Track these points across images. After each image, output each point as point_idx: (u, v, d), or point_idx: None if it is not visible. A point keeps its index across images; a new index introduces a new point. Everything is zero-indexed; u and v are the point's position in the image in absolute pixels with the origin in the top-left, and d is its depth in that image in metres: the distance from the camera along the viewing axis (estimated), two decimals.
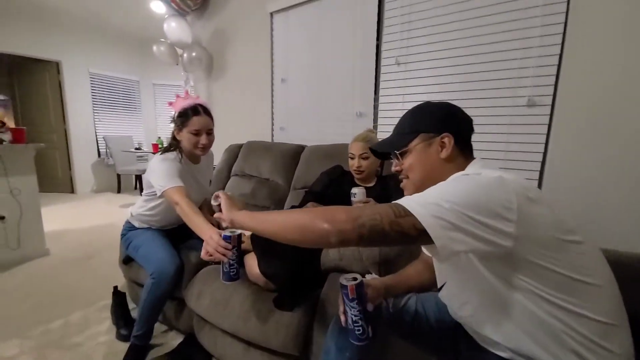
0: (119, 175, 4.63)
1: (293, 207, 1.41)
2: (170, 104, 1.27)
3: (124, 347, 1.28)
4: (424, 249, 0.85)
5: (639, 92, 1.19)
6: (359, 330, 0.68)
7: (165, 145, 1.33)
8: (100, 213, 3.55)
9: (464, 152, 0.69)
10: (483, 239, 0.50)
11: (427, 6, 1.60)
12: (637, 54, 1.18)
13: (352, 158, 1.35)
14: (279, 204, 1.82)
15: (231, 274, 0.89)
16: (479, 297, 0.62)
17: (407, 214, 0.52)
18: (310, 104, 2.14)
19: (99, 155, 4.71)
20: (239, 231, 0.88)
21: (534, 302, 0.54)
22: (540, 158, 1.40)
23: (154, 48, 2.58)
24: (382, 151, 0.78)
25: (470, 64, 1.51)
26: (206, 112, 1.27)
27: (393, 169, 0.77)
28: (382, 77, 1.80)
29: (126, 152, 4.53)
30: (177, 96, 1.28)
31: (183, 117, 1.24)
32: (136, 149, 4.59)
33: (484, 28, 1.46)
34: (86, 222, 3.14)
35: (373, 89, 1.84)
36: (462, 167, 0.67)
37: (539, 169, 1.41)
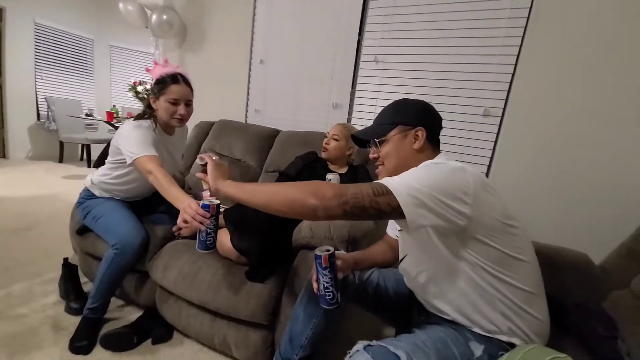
0: (62, 143, 4.15)
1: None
2: (148, 70, 1.21)
3: (74, 320, 1.22)
4: (395, 222, 0.94)
5: (572, 111, 1.43)
6: (329, 295, 0.76)
7: (138, 113, 1.26)
8: (39, 182, 3.18)
9: (432, 146, 0.79)
10: (443, 217, 0.60)
11: (408, 10, 1.70)
12: (573, 83, 1.41)
13: (326, 137, 1.46)
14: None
15: (207, 242, 0.89)
16: (433, 268, 0.74)
17: (385, 192, 0.60)
18: (287, 89, 2.15)
19: (39, 117, 4.17)
20: (217, 200, 0.89)
21: (477, 272, 0.66)
22: (487, 162, 1.62)
23: (120, 5, 2.34)
24: (363, 138, 0.86)
25: (439, 72, 1.66)
26: (186, 82, 1.23)
27: (371, 156, 0.85)
28: (360, 72, 1.88)
29: (73, 118, 4.07)
30: (155, 63, 1.23)
31: (161, 85, 1.19)
32: (86, 115, 4.14)
33: (451, 40, 1.62)
34: (22, 191, 2.80)
35: (351, 82, 1.91)
36: (431, 158, 0.76)
37: (485, 170, 1.62)
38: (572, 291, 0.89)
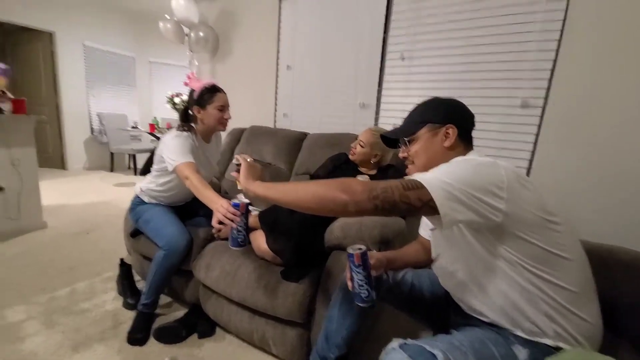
0: (112, 154, 4.57)
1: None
2: (187, 84, 1.32)
3: (130, 315, 1.35)
4: (427, 221, 0.93)
5: (620, 102, 1.30)
6: (364, 293, 0.77)
7: (178, 124, 1.37)
8: (95, 190, 3.53)
9: (464, 144, 0.78)
10: (477, 212, 0.59)
11: (435, 4, 1.66)
12: (623, 67, 1.28)
13: (356, 139, 1.47)
14: None
15: (239, 240, 0.94)
16: (469, 267, 0.72)
17: (416, 186, 0.59)
18: (314, 92, 2.19)
19: (92, 132, 4.63)
20: (246, 200, 0.93)
21: (515, 270, 0.64)
22: (528, 156, 1.52)
23: (160, 25, 2.54)
24: (392, 137, 0.86)
25: (471, 63, 1.59)
26: (223, 90, 1.36)
27: (400, 154, 0.85)
28: (387, 71, 1.86)
29: (120, 131, 4.47)
30: (189, 77, 1.33)
31: (208, 94, 1.30)
32: (132, 127, 4.53)
33: (484, 29, 1.54)
34: (81, 199, 3.13)
35: (377, 81, 1.90)
36: (462, 155, 0.74)
37: (527, 166, 1.53)
38: (626, 292, 0.82)
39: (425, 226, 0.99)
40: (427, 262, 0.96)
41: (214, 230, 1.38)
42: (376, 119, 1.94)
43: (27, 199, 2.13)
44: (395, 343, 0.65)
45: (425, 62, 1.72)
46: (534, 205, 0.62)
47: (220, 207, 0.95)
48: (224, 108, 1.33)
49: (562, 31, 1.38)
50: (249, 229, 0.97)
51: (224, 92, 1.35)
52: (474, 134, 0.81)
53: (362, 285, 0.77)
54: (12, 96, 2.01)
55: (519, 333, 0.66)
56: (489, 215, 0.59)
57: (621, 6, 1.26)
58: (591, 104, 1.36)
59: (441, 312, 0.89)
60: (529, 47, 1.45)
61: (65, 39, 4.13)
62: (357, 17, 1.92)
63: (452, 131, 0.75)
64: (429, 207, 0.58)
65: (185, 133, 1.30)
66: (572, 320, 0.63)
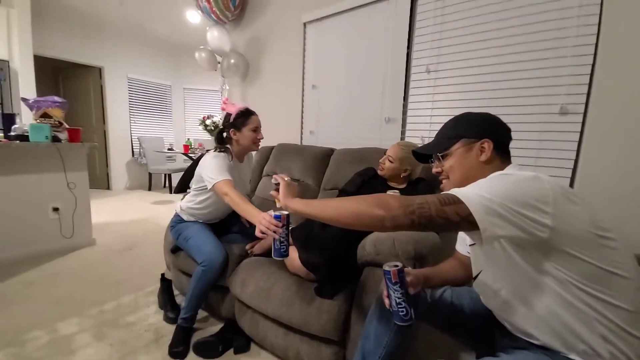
0: (150, 174, 4.90)
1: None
2: (224, 109, 1.43)
3: (171, 328, 1.41)
4: (466, 236, 0.90)
5: None
6: (402, 311, 0.76)
7: (215, 146, 1.46)
8: (135, 208, 3.79)
9: (501, 157, 0.76)
10: (520, 227, 0.56)
11: (458, 16, 1.66)
12: None
13: (385, 154, 1.48)
14: None
15: (282, 250, 0.98)
16: (513, 285, 0.68)
17: (453, 201, 0.59)
18: (339, 109, 2.24)
19: (133, 154, 5.01)
20: (287, 211, 0.96)
21: (566, 289, 0.60)
22: (571, 165, 1.43)
23: (196, 55, 2.77)
24: (425, 153, 0.86)
25: (502, 72, 1.56)
26: (256, 113, 1.46)
27: (434, 170, 0.84)
28: (412, 84, 1.87)
29: (158, 152, 4.81)
30: (225, 102, 1.43)
31: (243, 117, 1.41)
32: (169, 149, 4.86)
33: (515, 38, 1.50)
34: (124, 216, 3.37)
35: (402, 95, 1.91)
36: (500, 170, 0.72)
37: (569, 175, 1.43)
38: None
39: (462, 242, 0.96)
40: (466, 279, 0.92)
41: (247, 247, 1.44)
42: (402, 133, 1.94)
43: (80, 218, 2.34)
44: None
45: (451, 73, 1.71)
46: (584, 221, 0.58)
47: (262, 219, 0.98)
48: (257, 129, 1.43)
49: (599, 27, 1.32)
50: (289, 240, 1.00)
51: (256, 115, 1.45)
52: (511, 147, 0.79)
53: (400, 304, 0.75)
54: (68, 126, 2.25)
55: (573, 356, 0.62)
56: (533, 230, 0.56)
57: None
58: (637, 104, 1.26)
59: (485, 333, 0.85)
60: (565, 53, 1.40)
61: (112, 73, 4.60)
62: (380, 34, 1.97)
63: (488, 145, 0.74)
64: (468, 222, 0.57)
65: (222, 154, 1.38)
66: (630, 342, 0.58)
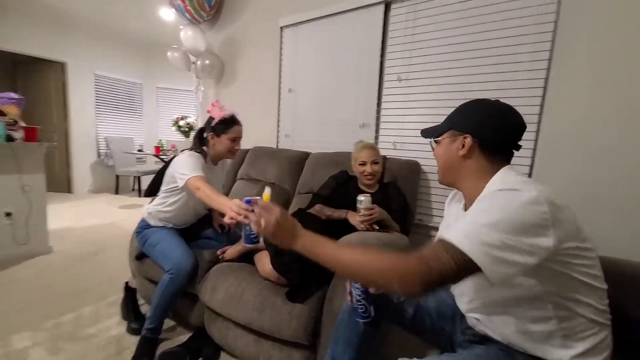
0: (117, 176, 4.65)
1: (328, 223, 1.37)
2: (209, 111, 1.40)
3: (134, 339, 1.34)
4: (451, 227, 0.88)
5: (612, 122, 1.33)
6: (361, 308, 0.78)
7: (191, 146, 1.43)
8: (100, 213, 3.58)
9: (489, 157, 0.72)
10: (528, 259, 0.55)
11: (428, 29, 1.73)
12: (614, 87, 1.32)
13: (362, 164, 1.47)
14: (284, 207, 1.91)
15: (252, 236, 0.94)
16: (488, 294, 0.71)
17: (463, 260, 0.55)
18: (315, 113, 2.25)
19: (99, 155, 4.74)
20: (257, 197, 0.95)
21: (538, 298, 0.62)
22: (527, 171, 1.53)
23: (168, 54, 2.68)
24: (425, 134, 0.85)
25: (467, 83, 1.64)
26: (240, 123, 1.44)
27: (433, 153, 0.84)
28: (385, 92, 1.92)
29: (126, 154, 4.58)
30: (213, 104, 1.40)
31: (224, 125, 1.38)
32: (138, 150, 4.64)
33: (478, 52, 1.60)
34: (86, 221, 3.16)
35: (376, 101, 1.96)
36: (485, 170, 0.71)
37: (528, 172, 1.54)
38: (634, 307, 0.81)
39: (447, 230, 0.96)
40: None
41: (218, 252, 1.40)
42: (376, 138, 1.99)
43: (35, 223, 2.17)
44: None
45: (420, 82, 1.78)
46: (571, 235, 0.59)
47: (232, 205, 0.95)
48: (236, 140, 1.41)
49: (552, 46, 1.43)
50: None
51: (240, 125, 1.43)
52: None
53: (360, 301, 0.78)
54: (24, 124, 2.09)
55: (529, 352, 0.66)
56: (540, 253, 0.56)
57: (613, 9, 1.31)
58: (589, 116, 1.38)
59: (447, 330, 0.88)
60: (522, 68, 1.50)
61: (76, 69, 4.33)
62: (355, 42, 2.01)
63: (468, 142, 0.72)
64: (479, 271, 0.56)
65: (197, 154, 1.35)
66: (586, 340, 0.63)
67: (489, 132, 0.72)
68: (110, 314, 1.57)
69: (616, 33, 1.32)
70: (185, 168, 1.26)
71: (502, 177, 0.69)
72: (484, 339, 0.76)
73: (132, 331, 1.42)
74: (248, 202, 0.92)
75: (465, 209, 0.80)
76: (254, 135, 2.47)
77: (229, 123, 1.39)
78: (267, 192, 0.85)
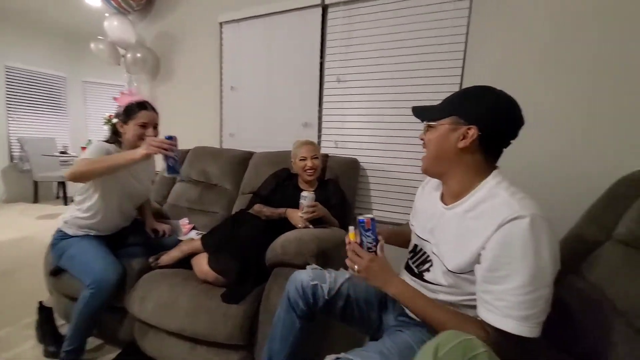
0: (36, 183, 4.06)
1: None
2: (116, 99, 1.29)
3: None
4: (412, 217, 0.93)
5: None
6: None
7: (106, 138, 1.33)
8: (13, 226, 3.09)
9: (485, 153, 0.68)
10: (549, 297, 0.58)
11: (363, 33, 1.83)
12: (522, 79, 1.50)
13: (303, 159, 1.50)
14: (227, 209, 1.86)
15: (176, 167, 1.14)
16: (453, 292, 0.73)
17: (511, 339, 0.57)
18: (259, 112, 2.23)
19: (12, 159, 4.08)
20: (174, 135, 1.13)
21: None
22: None
23: (92, 46, 2.40)
24: (418, 114, 0.78)
25: (400, 86, 1.76)
26: (153, 108, 1.33)
27: (419, 136, 0.78)
28: (326, 92, 1.98)
29: (47, 157, 4.01)
30: (122, 92, 1.30)
31: (129, 110, 1.27)
32: (61, 152, 4.09)
33: (407, 57, 1.73)
34: None
35: (317, 101, 2.00)
36: (479, 167, 0.68)
37: None
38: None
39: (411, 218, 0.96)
40: None
41: (150, 259, 1.32)
42: (319, 137, 2.03)
43: None
44: (328, 359, 0.68)
45: (358, 84, 1.87)
46: None
47: (151, 140, 1.06)
48: (146, 125, 1.28)
49: (465, 48, 1.59)
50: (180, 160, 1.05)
51: (152, 111, 1.32)
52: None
53: (371, 248, 0.78)
54: None
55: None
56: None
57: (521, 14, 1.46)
58: None
59: (375, 318, 0.94)
60: (441, 65, 1.64)
61: None
62: (295, 42, 2.03)
63: (472, 134, 0.65)
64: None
65: (103, 143, 1.26)
66: None
67: (497, 125, 0.65)
68: (25, 337, 1.37)
69: (519, 34, 1.48)
70: (85, 155, 1.17)
71: (503, 193, 0.64)
72: (409, 324, 0.82)
73: (49, 355, 1.26)
74: (168, 137, 1.10)
75: (444, 201, 0.77)
76: (196, 134, 2.36)
77: (136, 108, 1.28)
78: (352, 230, 0.82)
